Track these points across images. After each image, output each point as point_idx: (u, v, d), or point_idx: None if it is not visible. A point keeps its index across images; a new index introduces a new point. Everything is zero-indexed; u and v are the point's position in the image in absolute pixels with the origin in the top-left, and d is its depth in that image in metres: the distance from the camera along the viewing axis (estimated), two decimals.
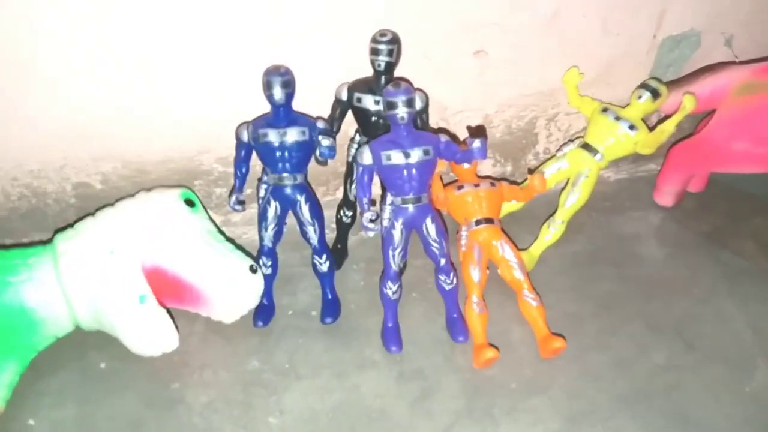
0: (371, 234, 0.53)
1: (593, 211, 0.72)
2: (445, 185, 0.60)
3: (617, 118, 0.62)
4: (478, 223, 0.56)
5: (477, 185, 0.58)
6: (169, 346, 0.51)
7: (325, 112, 0.59)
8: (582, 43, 0.63)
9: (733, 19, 0.66)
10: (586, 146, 0.63)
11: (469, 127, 0.65)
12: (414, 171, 0.52)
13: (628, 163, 0.76)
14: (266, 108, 0.56)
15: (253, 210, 0.65)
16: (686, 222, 0.71)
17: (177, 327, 0.53)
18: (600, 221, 0.72)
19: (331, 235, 0.64)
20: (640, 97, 0.62)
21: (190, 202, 0.57)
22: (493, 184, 0.59)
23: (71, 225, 0.55)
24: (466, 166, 0.57)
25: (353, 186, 0.61)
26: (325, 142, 0.54)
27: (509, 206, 0.65)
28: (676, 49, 0.66)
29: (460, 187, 0.59)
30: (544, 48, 0.62)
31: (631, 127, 0.62)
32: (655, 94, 0.62)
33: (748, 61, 0.64)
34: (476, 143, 0.50)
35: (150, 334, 0.50)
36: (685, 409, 0.52)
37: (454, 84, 0.62)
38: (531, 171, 0.68)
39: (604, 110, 0.63)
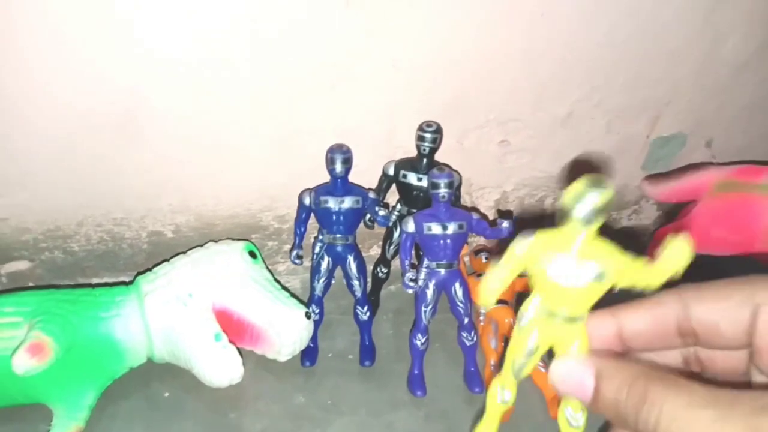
0: (410, 291, 0.62)
1: None
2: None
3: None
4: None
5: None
6: (236, 379, 0.59)
7: (365, 182, 0.68)
8: (589, 139, 0.74)
9: (715, 126, 0.79)
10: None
11: (499, 210, 0.76)
12: (449, 241, 0.61)
13: (619, 239, 0.87)
14: (317, 176, 0.66)
15: (292, 263, 0.74)
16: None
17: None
18: None
19: None
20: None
21: (252, 254, 0.66)
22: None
23: (149, 268, 0.63)
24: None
25: (391, 247, 0.71)
26: (381, 212, 0.64)
27: None
28: (666, 147, 0.78)
29: (479, 275, 0.68)
30: (557, 141, 0.73)
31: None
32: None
33: (725, 162, 0.76)
34: (505, 224, 0.60)
35: (222, 367, 0.58)
36: None
37: (480, 166, 0.73)
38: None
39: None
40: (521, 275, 0.34)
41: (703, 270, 0.78)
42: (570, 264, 0.31)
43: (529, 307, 0.34)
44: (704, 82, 0.74)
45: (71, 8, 0.52)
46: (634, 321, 0.31)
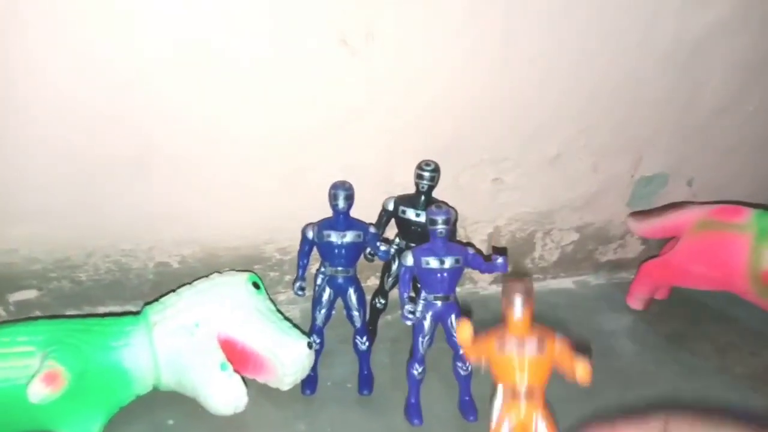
0: (409, 323, 0.65)
1: (577, 310, 0.86)
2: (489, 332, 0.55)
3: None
4: (514, 395, 0.51)
5: (522, 343, 0.51)
6: (240, 407, 0.61)
7: (365, 216, 0.71)
8: (576, 178, 0.79)
9: (695, 166, 0.84)
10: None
11: (494, 247, 0.80)
12: (446, 275, 0.64)
13: (605, 270, 0.91)
14: (319, 210, 0.69)
15: (292, 293, 0.76)
16: (653, 324, 0.85)
17: None
18: (582, 319, 0.85)
19: None
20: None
21: (256, 285, 0.68)
22: (542, 344, 0.51)
23: (156, 299, 0.66)
24: (516, 316, 0.53)
25: (390, 279, 0.74)
26: (383, 247, 0.67)
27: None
28: (649, 186, 0.83)
29: (502, 343, 0.54)
30: (546, 179, 0.77)
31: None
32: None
33: (706, 200, 0.81)
34: (500, 260, 0.64)
35: (228, 396, 0.60)
36: None
37: (474, 202, 0.77)
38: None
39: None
40: None
41: (688, 304, 0.82)
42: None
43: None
44: (684, 126, 0.80)
45: (87, 62, 0.55)
46: None
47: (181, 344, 0.61)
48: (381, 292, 0.75)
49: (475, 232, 0.79)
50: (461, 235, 0.79)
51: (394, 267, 0.74)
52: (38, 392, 0.52)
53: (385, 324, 0.79)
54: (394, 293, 0.77)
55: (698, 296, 0.86)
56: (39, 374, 0.52)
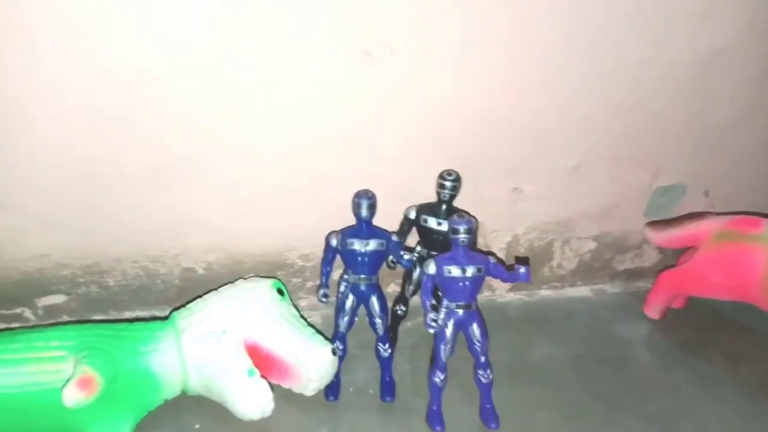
0: (431, 331, 0.66)
1: (594, 318, 0.87)
2: None
3: None
4: None
5: None
6: (267, 412, 0.62)
7: (388, 226, 0.72)
8: (593, 188, 0.80)
9: (712, 176, 0.84)
10: None
11: (517, 257, 0.81)
12: (468, 283, 0.65)
13: (622, 279, 0.92)
14: (341, 219, 0.70)
15: (313, 299, 0.78)
16: (668, 332, 0.85)
17: None
18: (599, 327, 0.86)
19: None
20: None
21: (280, 292, 0.69)
22: None
23: (183, 305, 0.67)
24: None
25: (410, 287, 0.75)
26: (406, 256, 0.68)
27: None
28: (666, 196, 0.84)
29: None
30: (564, 189, 0.78)
31: None
32: None
33: (723, 210, 0.82)
34: (522, 269, 0.64)
35: (255, 401, 0.61)
36: None
37: (494, 210, 0.78)
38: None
39: None
40: None
41: (704, 314, 0.82)
42: None
43: None
44: (701, 137, 0.80)
45: (110, 76, 0.57)
46: None
47: (209, 350, 0.62)
48: (401, 299, 0.76)
49: (494, 240, 0.80)
50: (480, 243, 0.80)
51: (415, 275, 0.75)
52: (73, 397, 0.53)
53: (404, 331, 0.79)
54: (413, 300, 0.79)
55: (714, 306, 0.87)
56: (73, 379, 0.54)
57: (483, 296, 0.85)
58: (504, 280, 0.66)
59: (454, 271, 0.65)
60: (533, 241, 0.83)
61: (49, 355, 0.58)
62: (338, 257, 0.70)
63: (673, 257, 0.87)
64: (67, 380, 0.54)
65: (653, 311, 0.86)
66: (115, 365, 0.58)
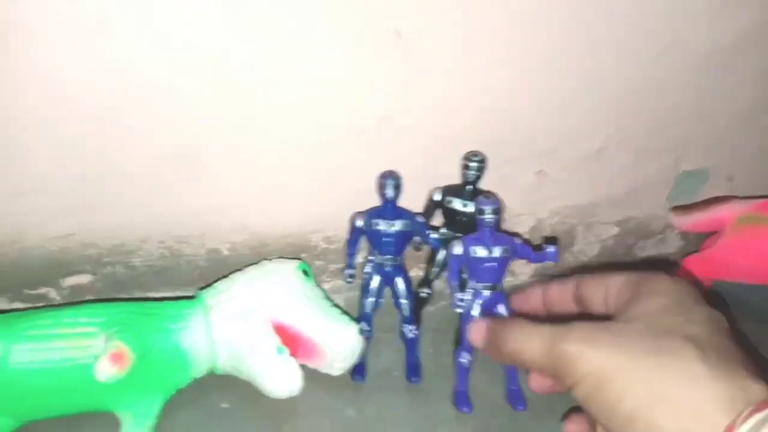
0: (459, 311, 0.66)
1: None
2: None
3: None
4: None
5: None
6: (296, 390, 0.62)
7: (411, 208, 0.72)
8: (617, 171, 0.79)
9: (735, 161, 0.84)
10: None
11: (545, 237, 0.81)
12: (495, 264, 0.65)
13: (644, 266, 0.91)
14: (364, 202, 0.70)
15: (337, 282, 0.78)
16: None
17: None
18: None
19: None
20: None
21: (306, 272, 0.69)
22: None
23: (209, 284, 0.67)
24: None
25: (435, 269, 0.75)
26: (434, 235, 0.68)
27: None
28: (689, 181, 0.83)
29: None
30: (588, 173, 0.78)
31: None
32: None
33: (746, 195, 0.81)
34: (551, 248, 0.64)
35: (284, 379, 0.61)
36: None
37: (518, 194, 0.77)
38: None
39: None
40: None
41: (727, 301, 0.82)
42: None
43: None
44: (724, 123, 0.80)
45: (126, 69, 0.57)
46: (550, 292, 0.52)
47: (238, 329, 0.62)
48: (426, 282, 0.76)
49: (518, 224, 0.80)
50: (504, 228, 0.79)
51: (439, 257, 0.74)
52: (105, 371, 0.53)
53: (427, 314, 0.79)
54: (436, 285, 0.79)
55: (738, 292, 0.86)
56: (105, 353, 0.54)
57: (504, 280, 0.84)
58: (531, 261, 0.66)
59: (480, 252, 0.65)
60: (555, 226, 0.83)
61: (79, 332, 0.58)
62: (363, 239, 0.70)
63: (696, 244, 0.86)
64: (99, 355, 0.54)
65: None
66: (145, 341, 0.58)
